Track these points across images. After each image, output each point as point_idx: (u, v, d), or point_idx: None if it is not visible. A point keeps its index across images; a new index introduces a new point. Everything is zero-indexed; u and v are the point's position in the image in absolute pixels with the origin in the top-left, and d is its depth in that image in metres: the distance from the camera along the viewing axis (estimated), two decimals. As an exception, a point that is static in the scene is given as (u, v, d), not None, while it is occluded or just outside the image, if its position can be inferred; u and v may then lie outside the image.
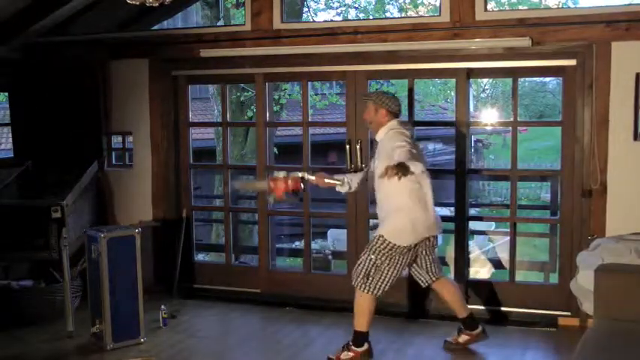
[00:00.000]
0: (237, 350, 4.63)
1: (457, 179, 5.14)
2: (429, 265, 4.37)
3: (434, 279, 4.40)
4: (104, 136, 5.77)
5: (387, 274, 4.16)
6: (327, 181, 4.38)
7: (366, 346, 4.28)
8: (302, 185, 4.35)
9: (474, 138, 16.07)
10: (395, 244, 4.12)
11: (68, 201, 4.94)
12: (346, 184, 4.47)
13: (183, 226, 5.72)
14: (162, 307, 4.98)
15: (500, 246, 8.30)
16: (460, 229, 5.18)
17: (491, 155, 18.55)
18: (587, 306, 4.25)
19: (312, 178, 4.36)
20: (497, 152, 18.56)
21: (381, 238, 4.15)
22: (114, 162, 5.94)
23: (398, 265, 4.17)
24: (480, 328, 4.47)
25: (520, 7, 12.26)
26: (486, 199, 14.81)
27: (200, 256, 7.48)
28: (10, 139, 5.96)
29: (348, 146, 5.31)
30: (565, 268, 4.92)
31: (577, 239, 4.78)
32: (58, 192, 5.01)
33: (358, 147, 5.25)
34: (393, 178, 3.69)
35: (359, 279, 4.21)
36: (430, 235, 4.24)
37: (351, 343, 4.29)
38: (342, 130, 5.47)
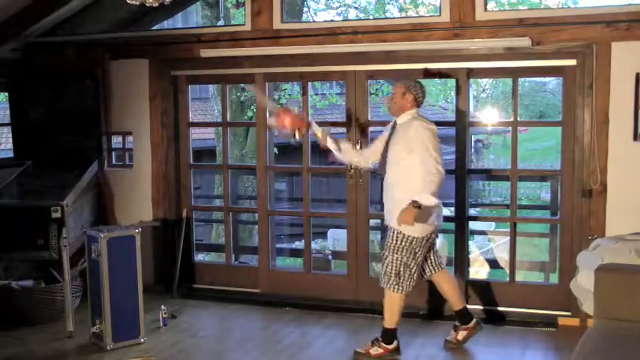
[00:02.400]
0: (237, 350, 4.63)
1: (457, 179, 5.14)
2: (433, 257, 4.44)
3: (436, 271, 4.46)
4: (104, 136, 5.77)
5: (413, 269, 4.21)
6: (328, 141, 4.45)
7: (395, 343, 4.33)
8: (304, 130, 4.47)
9: (474, 138, 16.07)
10: (414, 237, 4.16)
11: (68, 201, 4.94)
12: (350, 153, 4.52)
13: (183, 226, 5.72)
14: (163, 307, 4.98)
15: (500, 246, 8.30)
16: (460, 229, 5.18)
17: (491, 155, 18.54)
18: (587, 306, 4.25)
19: (319, 130, 4.45)
20: (497, 152, 18.54)
21: (400, 234, 4.16)
22: (114, 162, 5.94)
23: (419, 258, 4.23)
24: (474, 320, 4.51)
25: (520, 7, 12.24)
26: (486, 199, 14.79)
27: (200, 256, 7.48)
28: (10, 139, 5.95)
29: (348, 146, 5.30)
30: (565, 268, 4.92)
31: (577, 239, 4.78)
32: (58, 192, 5.00)
33: (358, 147, 5.24)
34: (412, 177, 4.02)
35: (391, 281, 4.22)
36: (440, 223, 4.33)
37: (380, 339, 4.33)
38: (342, 130, 5.47)
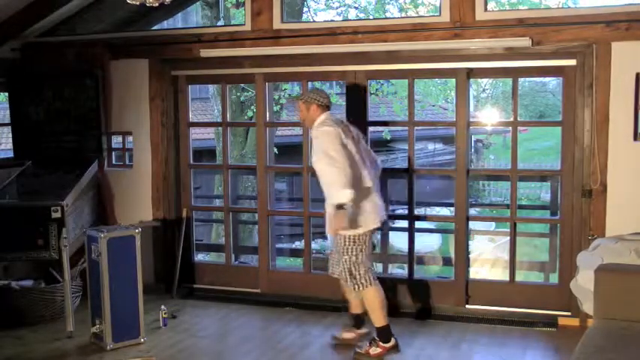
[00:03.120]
0: (237, 350, 4.63)
1: (457, 179, 5.14)
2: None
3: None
4: (104, 136, 5.76)
5: (365, 263, 4.31)
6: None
7: (393, 341, 4.37)
8: None
9: (474, 138, 16.07)
10: (358, 235, 4.28)
11: (68, 201, 4.94)
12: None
13: (183, 226, 5.72)
14: (163, 307, 4.99)
15: (500, 246, 8.31)
16: (460, 229, 5.18)
17: (491, 155, 18.54)
18: (587, 306, 4.25)
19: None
20: (497, 152, 18.54)
21: (341, 237, 4.28)
22: (114, 162, 5.94)
23: (368, 250, 4.34)
24: (364, 330, 4.59)
25: (520, 7, 12.22)
26: (486, 199, 14.80)
27: (200, 256, 7.48)
28: (10, 139, 5.95)
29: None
30: (565, 268, 4.92)
31: (577, 239, 4.78)
32: (58, 192, 5.00)
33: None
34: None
35: (349, 282, 4.33)
36: (375, 225, 4.36)
37: (377, 339, 4.35)
38: (342, 130, 5.46)
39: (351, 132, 4.41)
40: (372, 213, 4.32)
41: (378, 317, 4.33)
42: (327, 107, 4.43)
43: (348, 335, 4.61)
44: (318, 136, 4.26)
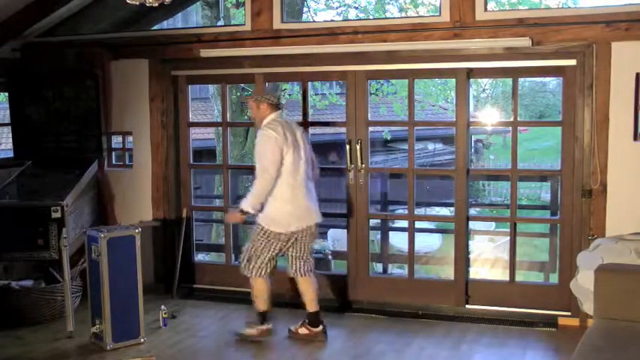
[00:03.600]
0: (237, 350, 4.63)
1: (457, 179, 5.14)
2: (299, 263, 4.67)
3: (301, 276, 4.70)
4: (104, 136, 5.76)
5: (265, 257, 4.56)
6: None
7: (265, 326, 4.68)
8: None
9: (474, 138, 16.05)
10: (271, 230, 4.51)
11: (68, 201, 4.94)
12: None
13: (183, 226, 5.72)
14: (163, 307, 4.99)
15: (500, 246, 8.30)
16: (460, 229, 5.18)
17: (491, 155, 18.53)
18: (587, 306, 4.26)
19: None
20: (497, 152, 18.53)
21: (258, 226, 4.55)
22: (114, 162, 5.94)
23: (274, 251, 4.56)
24: (320, 328, 4.70)
25: (520, 7, 12.21)
26: (486, 199, 14.79)
27: (200, 256, 7.47)
28: (10, 139, 5.95)
29: (348, 146, 5.31)
30: (565, 268, 4.92)
31: (577, 239, 4.78)
32: (58, 192, 5.00)
33: (358, 147, 5.25)
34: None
35: (243, 263, 4.63)
36: (302, 227, 4.56)
37: (254, 321, 4.69)
38: (342, 130, 5.48)
39: (295, 134, 4.58)
40: (292, 216, 4.51)
41: (259, 303, 4.65)
42: (276, 107, 4.60)
43: (303, 331, 4.73)
44: (259, 138, 4.49)
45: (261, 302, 4.66)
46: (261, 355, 4.52)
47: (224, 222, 4.75)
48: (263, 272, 4.59)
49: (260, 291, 4.64)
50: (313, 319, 4.70)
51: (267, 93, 4.67)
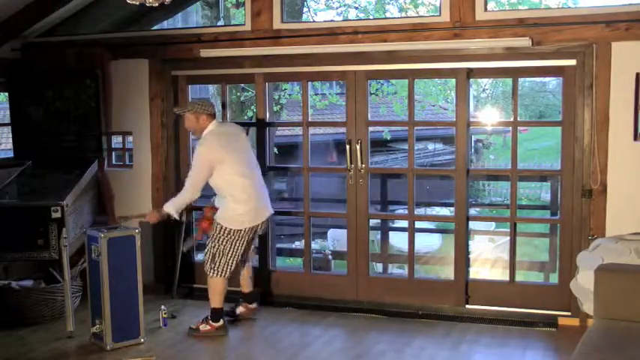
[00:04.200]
0: (237, 350, 4.63)
1: (457, 179, 5.14)
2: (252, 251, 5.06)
3: (243, 266, 5.02)
4: (104, 136, 5.76)
5: (229, 256, 4.74)
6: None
7: (221, 322, 4.80)
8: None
9: (474, 138, 16.05)
10: (231, 229, 4.69)
11: (68, 201, 4.94)
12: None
13: (183, 226, 5.71)
14: (163, 307, 4.99)
15: (500, 246, 8.31)
16: (460, 229, 5.18)
17: (491, 155, 18.52)
18: (587, 306, 4.26)
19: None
20: (497, 152, 18.52)
21: (218, 226, 4.72)
22: (114, 162, 5.94)
23: (238, 249, 4.74)
24: (255, 305, 5.11)
25: (520, 7, 12.21)
26: (486, 199, 14.78)
27: (200, 256, 7.46)
28: (10, 139, 5.95)
29: (348, 146, 5.31)
30: (565, 268, 4.92)
31: (577, 239, 4.78)
32: (58, 192, 5.00)
33: (358, 147, 5.25)
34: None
35: (207, 265, 4.76)
36: (255, 224, 4.77)
37: (209, 318, 4.78)
38: (342, 130, 5.47)
39: (239, 137, 4.84)
40: (247, 215, 4.70)
41: (215, 300, 4.76)
42: (213, 115, 4.78)
43: (240, 309, 5.07)
44: (197, 152, 4.71)
45: (217, 299, 4.78)
46: (261, 355, 4.52)
47: (146, 221, 4.95)
48: (227, 272, 4.76)
49: (217, 289, 4.77)
50: (250, 297, 5.09)
51: (202, 104, 4.76)
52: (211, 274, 4.75)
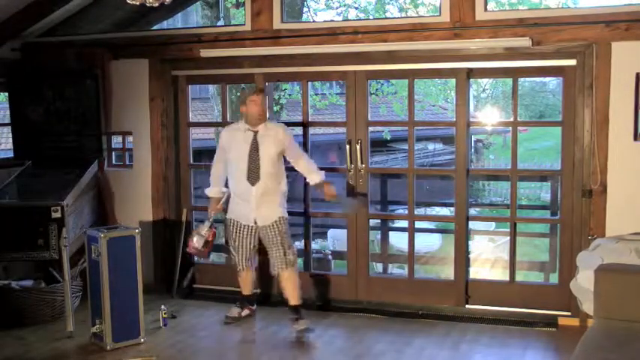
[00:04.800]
0: (237, 350, 4.63)
1: (457, 179, 5.14)
2: (251, 253, 4.99)
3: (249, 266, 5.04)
4: (104, 136, 5.76)
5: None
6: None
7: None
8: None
9: (474, 138, 16.05)
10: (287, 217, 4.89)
11: (68, 201, 4.94)
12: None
13: (183, 227, 5.72)
14: (163, 307, 4.99)
15: (500, 246, 8.30)
16: (460, 229, 5.18)
17: (491, 155, 18.52)
18: (587, 306, 4.25)
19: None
20: (497, 152, 18.52)
21: (283, 218, 4.85)
22: (114, 162, 5.94)
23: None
24: (255, 307, 5.21)
25: (520, 7, 12.23)
26: (486, 199, 14.78)
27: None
28: (10, 139, 5.95)
29: (348, 146, 5.31)
30: (565, 268, 4.92)
31: (577, 239, 4.78)
32: (58, 192, 5.00)
33: (358, 147, 5.25)
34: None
35: (285, 260, 4.75)
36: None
37: (299, 317, 4.80)
38: (342, 130, 5.47)
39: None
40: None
41: (297, 296, 4.85)
42: None
43: (244, 313, 5.11)
44: (288, 132, 4.86)
45: (298, 294, 4.86)
46: (262, 355, 4.52)
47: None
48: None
49: (297, 281, 4.85)
50: (250, 300, 5.19)
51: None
52: (291, 267, 4.77)
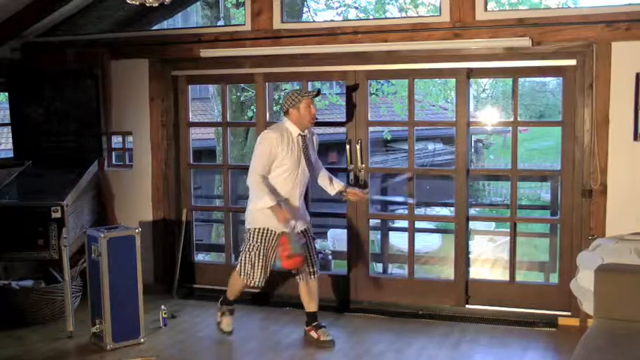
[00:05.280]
0: (237, 350, 4.63)
1: (457, 179, 5.14)
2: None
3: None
4: (104, 136, 5.77)
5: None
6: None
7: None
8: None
9: (474, 138, 16.05)
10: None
11: (68, 201, 4.94)
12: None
13: (183, 226, 5.72)
14: (163, 307, 4.99)
15: (500, 246, 8.30)
16: (460, 229, 5.18)
17: (491, 155, 18.52)
18: (587, 306, 4.25)
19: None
20: (497, 152, 18.53)
21: (309, 224, 4.68)
22: (114, 162, 5.94)
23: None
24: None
25: (520, 7, 12.21)
26: (486, 199, 14.79)
27: (200, 256, 7.48)
28: (10, 139, 5.95)
29: (348, 146, 5.31)
30: (565, 268, 4.92)
31: (577, 239, 4.78)
32: (58, 192, 5.01)
33: (358, 147, 5.25)
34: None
35: (316, 267, 4.64)
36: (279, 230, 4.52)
37: (319, 326, 4.68)
38: (342, 130, 5.47)
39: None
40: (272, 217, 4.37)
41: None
42: None
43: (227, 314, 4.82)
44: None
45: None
46: (261, 356, 4.52)
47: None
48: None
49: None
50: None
51: None
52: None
